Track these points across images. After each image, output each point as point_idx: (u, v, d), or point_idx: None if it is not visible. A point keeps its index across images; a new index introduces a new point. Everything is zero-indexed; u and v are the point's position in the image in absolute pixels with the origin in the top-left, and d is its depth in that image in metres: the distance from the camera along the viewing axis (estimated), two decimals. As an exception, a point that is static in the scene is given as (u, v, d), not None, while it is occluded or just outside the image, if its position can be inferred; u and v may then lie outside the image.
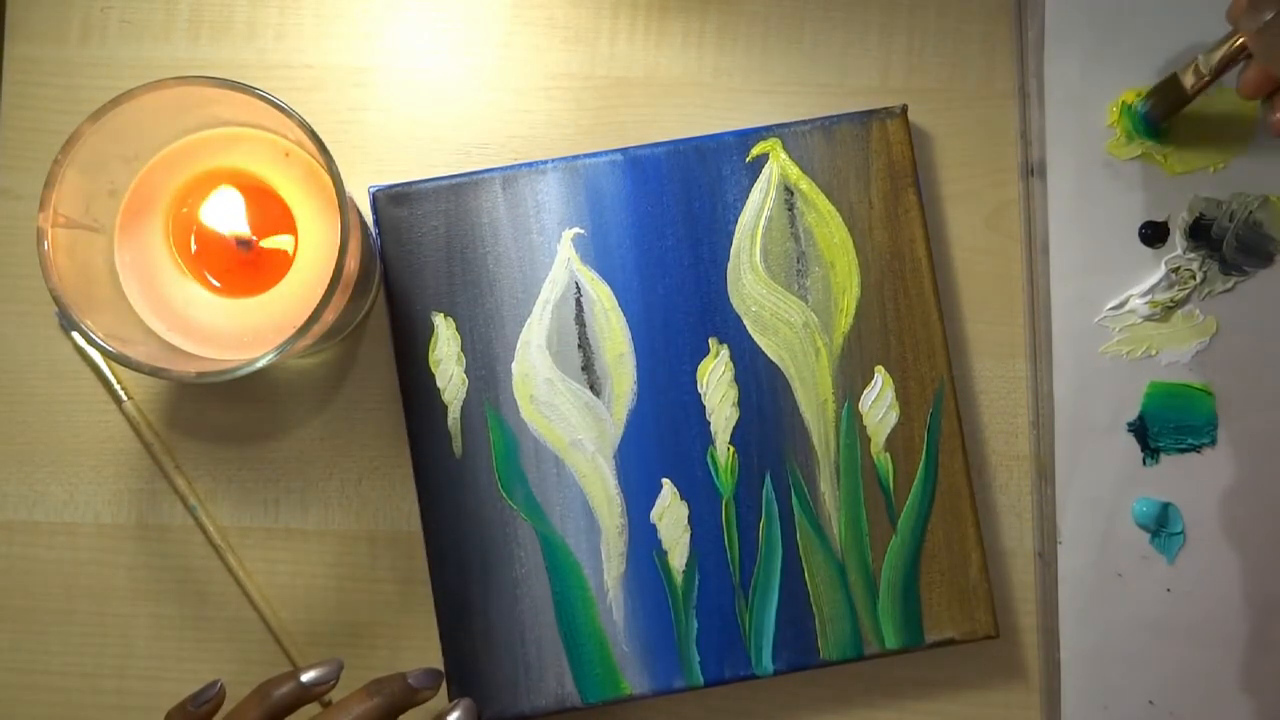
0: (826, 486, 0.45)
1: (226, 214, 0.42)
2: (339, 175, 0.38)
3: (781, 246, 0.46)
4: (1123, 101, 0.46)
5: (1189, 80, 0.43)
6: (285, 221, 0.43)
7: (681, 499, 0.45)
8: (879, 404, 0.46)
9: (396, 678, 0.39)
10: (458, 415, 0.45)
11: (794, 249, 0.46)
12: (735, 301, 0.46)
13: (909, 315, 0.46)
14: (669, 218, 0.46)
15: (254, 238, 0.42)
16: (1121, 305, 0.46)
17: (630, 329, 0.46)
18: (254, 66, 0.48)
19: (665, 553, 0.45)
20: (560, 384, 0.46)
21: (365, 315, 0.47)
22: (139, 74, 0.48)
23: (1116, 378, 0.46)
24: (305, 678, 0.39)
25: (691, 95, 0.49)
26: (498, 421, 0.45)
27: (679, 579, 0.45)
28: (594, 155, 0.46)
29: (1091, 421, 0.46)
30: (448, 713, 0.39)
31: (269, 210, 0.43)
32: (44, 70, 0.48)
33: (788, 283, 0.46)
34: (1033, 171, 0.47)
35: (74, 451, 0.47)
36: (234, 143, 0.42)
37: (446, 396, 0.45)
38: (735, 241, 0.46)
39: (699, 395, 0.46)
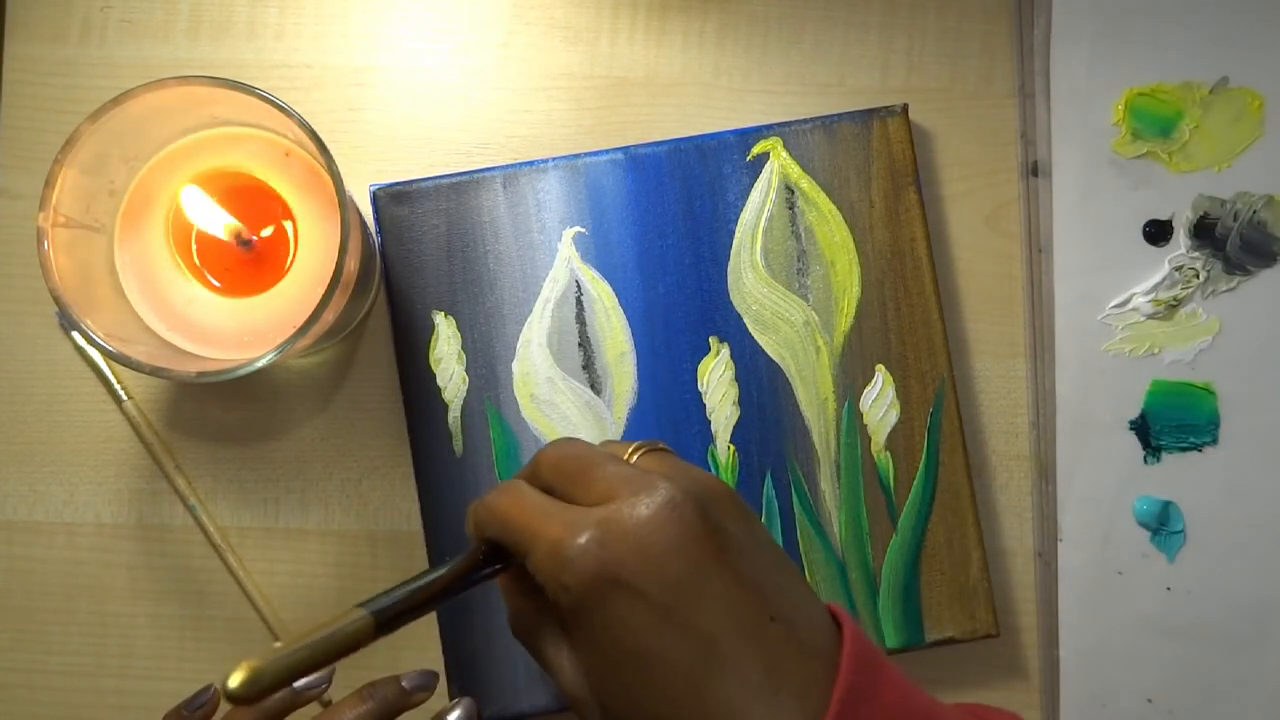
0: (827, 485, 0.45)
1: (205, 215, 0.42)
2: (339, 175, 0.38)
3: (782, 245, 0.46)
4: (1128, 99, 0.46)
5: None
6: (285, 221, 0.43)
7: (682, 498, 0.45)
8: (879, 403, 0.46)
9: (390, 680, 0.39)
10: (458, 414, 0.45)
11: (795, 248, 0.46)
12: (736, 300, 0.46)
13: (910, 314, 0.46)
14: (670, 216, 0.46)
15: (252, 237, 0.42)
16: (1125, 303, 0.46)
17: (631, 328, 0.46)
18: (254, 66, 0.48)
19: (666, 552, 0.45)
20: (561, 383, 0.46)
21: (365, 315, 0.47)
22: (139, 74, 0.48)
23: (1119, 375, 0.46)
24: (297, 682, 0.39)
25: (692, 95, 0.49)
26: (498, 420, 0.45)
27: (680, 578, 0.45)
28: (595, 154, 0.46)
29: (1093, 419, 0.46)
30: (448, 712, 0.39)
31: (269, 210, 0.43)
32: (44, 70, 0.48)
33: (788, 281, 0.46)
34: (1034, 171, 0.47)
35: (74, 451, 0.47)
36: (234, 143, 0.42)
37: (447, 395, 0.45)
38: (736, 240, 0.46)
39: (699, 394, 0.46)
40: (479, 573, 0.33)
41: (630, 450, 0.35)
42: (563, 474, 0.34)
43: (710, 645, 0.29)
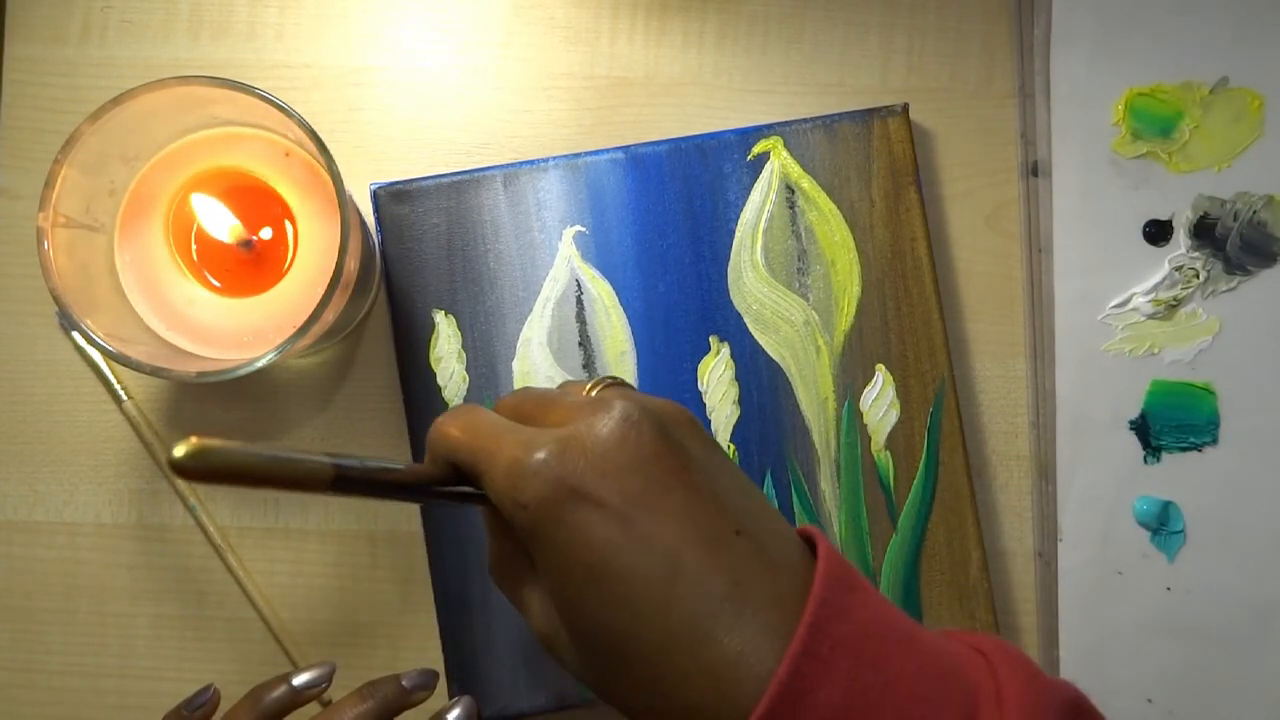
0: (827, 485, 0.45)
1: (215, 220, 0.42)
2: (339, 175, 0.38)
3: (782, 245, 0.46)
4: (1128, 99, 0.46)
5: None
6: (285, 221, 0.43)
7: (682, 498, 0.45)
8: (880, 402, 0.46)
9: (390, 680, 0.39)
10: (458, 414, 0.45)
11: (795, 247, 0.46)
12: (736, 300, 0.46)
13: (910, 314, 0.46)
14: (670, 216, 0.46)
15: (253, 237, 0.42)
16: (1124, 303, 0.46)
17: (631, 327, 0.46)
18: (254, 66, 0.48)
19: (666, 552, 0.45)
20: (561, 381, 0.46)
21: (365, 314, 0.47)
22: (139, 74, 0.48)
23: (1118, 375, 0.46)
24: (297, 681, 0.39)
25: (692, 95, 0.49)
26: (498, 420, 0.45)
27: (680, 578, 0.45)
28: (595, 153, 0.46)
29: (1093, 419, 0.46)
30: (448, 710, 0.39)
31: (269, 210, 0.43)
32: (44, 70, 0.48)
33: (789, 281, 0.46)
34: (1034, 171, 0.47)
35: (74, 451, 0.47)
36: (234, 143, 0.42)
37: (447, 394, 0.45)
38: (736, 240, 0.46)
39: (700, 393, 0.46)
40: (440, 487, 0.32)
41: (589, 386, 0.35)
42: (521, 414, 0.33)
43: (673, 559, 0.29)
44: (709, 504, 0.30)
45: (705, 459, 0.32)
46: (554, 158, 0.46)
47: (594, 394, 0.34)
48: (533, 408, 0.33)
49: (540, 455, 0.30)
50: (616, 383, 0.35)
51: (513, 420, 0.33)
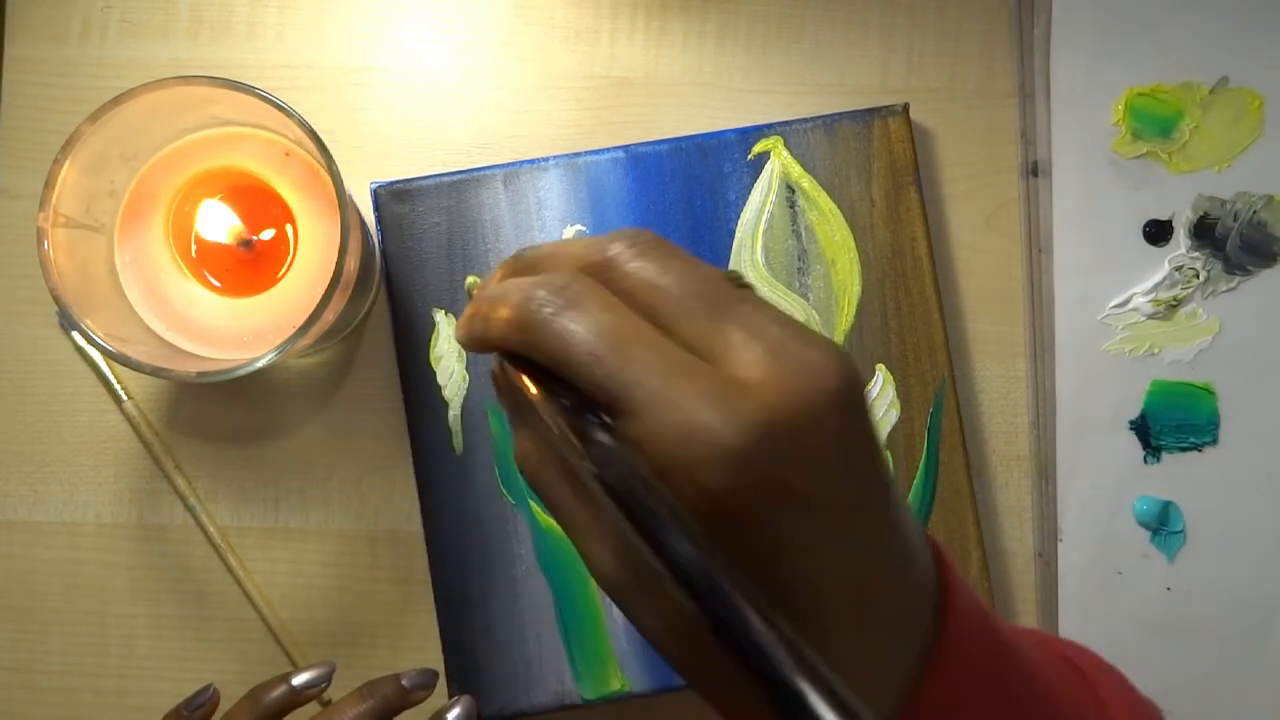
0: (827, 485, 0.45)
1: (219, 224, 0.42)
2: (339, 175, 0.38)
3: (783, 244, 0.46)
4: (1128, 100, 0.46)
5: None
6: (285, 221, 0.43)
7: (682, 498, 0.45)
8: (880, 402, 0.46)
9: (390, 679, 0.39)
10: (458, 412, 0.45)
11: (795, 247, 0.46)
12: (736, 300, 0.46)
13: (910, 313, 0.46)
14: (671, 215, 0.46)
15: (253, 237, 0.42)
16: (1125, 303, 0.46)
17: (631, 327, 0.46)
18: (254, 66, 0.48)
19: (666, 552, 0.45)
20: (561, 383, 0.46)
21: (365, 315, 0.47)
22: (139, 74, 0.48)
23: (1119, 375, 0.46)
24: (296, 681, 0.39)
25: (692, 95, 0.49)
26: (499, 419, 0.45)
27: (680, 578, 0.45)
28: (596, 152, 0.46)
29: (1093, 419, 0.46)
30: (447, 710, 0.39)
31: (269, 210, 0.43)
32: (44, 70, 0.48)
33: (789, 280, 0.46)
34: (1034, 171, 0.47)
35: (74, 451, 0.47)
36: (234, 143, 0.42)
37: (447, 393, 0.45)
38: (737, 239, 0.46)
39: (699, 393, 0.46)
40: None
41: (612, 242, 0.26)
42: (682, 306, 0.24)
43: (863, 589, 0.24)
44: (897, 527, 0.25)
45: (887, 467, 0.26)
46: (554, 157, 0.46)
47: (746, 318, 0.24)
48: (696, 302, 0.24)
49: (740, 437, 0.22)
50: (747, 287, 0.25)
51: (656, 300, 0.25)
